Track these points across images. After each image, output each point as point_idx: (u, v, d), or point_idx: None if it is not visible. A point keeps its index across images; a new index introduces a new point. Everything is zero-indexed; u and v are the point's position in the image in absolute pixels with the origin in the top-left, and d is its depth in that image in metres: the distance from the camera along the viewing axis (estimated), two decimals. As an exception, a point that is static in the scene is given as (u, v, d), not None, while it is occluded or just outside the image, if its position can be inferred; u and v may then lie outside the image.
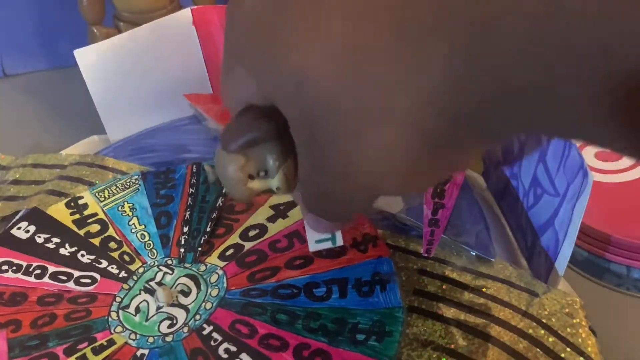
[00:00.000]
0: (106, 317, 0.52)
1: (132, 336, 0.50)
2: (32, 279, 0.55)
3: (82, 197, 0.61)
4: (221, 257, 0.55)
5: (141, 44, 0.66)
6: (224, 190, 0.59)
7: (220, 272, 0.54)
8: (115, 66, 0.65)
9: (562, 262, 0.49)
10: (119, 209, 0.59)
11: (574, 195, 0.48)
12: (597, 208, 0.59)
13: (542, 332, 0.47)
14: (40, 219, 0.59)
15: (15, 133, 0.74)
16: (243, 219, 0.58)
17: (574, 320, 0.48)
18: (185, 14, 0.66)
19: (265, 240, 0.56)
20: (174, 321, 0.51)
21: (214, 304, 0.51)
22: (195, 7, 0.67)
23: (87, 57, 0.64)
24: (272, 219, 0.57)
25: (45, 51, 0.84)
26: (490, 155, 0.60)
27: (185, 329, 0.50)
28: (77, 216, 0.59)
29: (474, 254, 0.52)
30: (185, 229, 0.57)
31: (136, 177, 0.62)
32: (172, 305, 0.52)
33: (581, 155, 0.48)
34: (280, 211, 0.58)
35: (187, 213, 0.58)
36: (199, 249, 0.55)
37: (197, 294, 0.52)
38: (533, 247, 0.53)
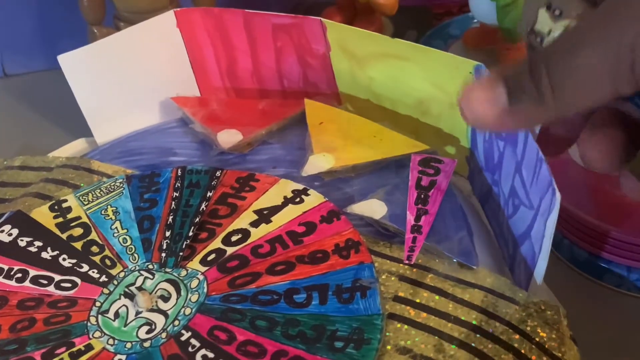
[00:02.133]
0: (85, 322, 0.51)
1: (110, 341, 0.50)
2: (13, 283, 0.54)
3: (66, 201, 0.60)
4: (203, 262, 0.55)
5: (126, 47, 0.65)
6: (208, 194, 0.59)
7: (201, 277, 0.53)
8: (101, 70, 0.65)
9: (539, 273, 0.49)
10: (102, 212, 0.59)
11: (545, 210, 0.48)
12: (595, 203, 0.59)
13: (525, 342, 0.47)
14: (23, 222, 0.59)
15: (10, 134, 0.74)
16: (226, 223, 0.57)
17: (555, 330, 0.47)
18: (169, 16, 0.66)
19: (247, 246, 0.55)
20: (153, 327, 0.50)
21: (194, 310, 0.51)
22: (179, 9, 0.67)
23: (71, 61, 0.64)
24: (255, 224, 0.57)
25: (45, 51, 0.84)
26: (473, 160, 0.60)
27: (164, 335, 0.50)
28: (60, 219, 0.59)
29: (456, 261, 0.52)
30: (168, 234, 0.57)
31: (120, 180, 0.62)
32: (152, 310, 0.51)
33: (550, 173, 0.47)
34: (263, 216, 0.57)
35: (170, 217, 0.58)
36: (181, 253, 0.55)
37: (177, 299, 0.52)
38: (514, 256, 0.53)
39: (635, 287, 0.56)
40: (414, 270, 0.52)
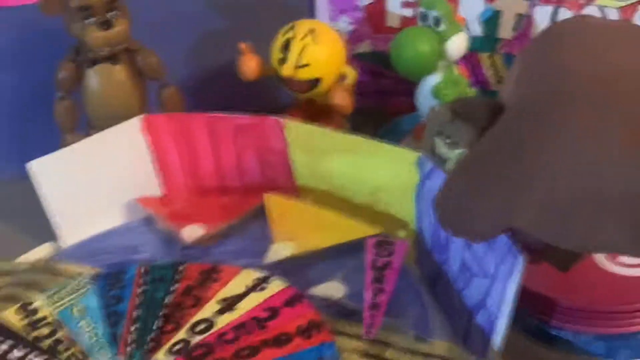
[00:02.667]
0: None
1: None
2: (-18, 383, 0.55)
3: (32, 302, 0.62)
4: (169, 352, 0.56)
5: (93, 152, 0.68)
6: (172, 288, 0.60)
7: (168, 367, 0.54)
8: (69, 175, 0.68)
9: (498, 339, 0.51)
10: (69, 311, 0.60)
11: (505, 275, 0.50)
12: (540, 274, 0.61)
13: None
14: (-9, 325, 0.60)
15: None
16: (192, 313, 0.59)
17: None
18: (135, 122, 0.69)
19: (212, 334, 0.57)
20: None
21: (161, 399, 0.52)
22: (144, 115, 0.70)
23: (41, 167, 0.66)
24: (219, 313, 0.58)
25: (16, 160, 0.84)
26: (421, 243, 0.63)
27: None
28: (27, 321, 0.60)
29: (413, 334, 0.54)
30: (134, 328, 0.58)
31: (87, 279, 0.63)
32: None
33: (508, 239, 0.50)
34: (227, 305, 0.59)
35: (136, 312, 0.59)
36: (147, 346, 0.56)
37: (145, 390, 0.53)
38: (468, 327, 0.55)
39: (584, 351, 0.58)
40: (374, 346, 0.53)
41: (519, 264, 0.49)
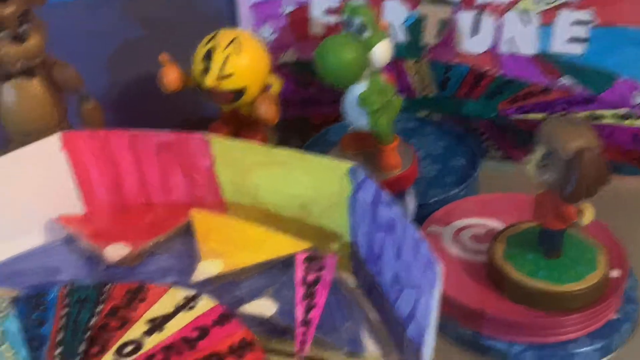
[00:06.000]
0: None
1: None
2: None
3: (-51, 329, 0.59)
4: (95, 377, 0.54)
5: (9, 171, 0.66)
6: (97, 309, 0.59)
7: (95, 391, 0.53)
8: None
9: (427, 351, 0.50)
10: (-11, 337, 0.58)
11: (429, 286, 0.50)
12: (471, 286, 0.62)
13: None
14: None
15: None
16: (118, 335, 0.57)
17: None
18: (54, 139, 0.67)
19: (141, 356, 0.55)
20: None
21: None
22: (65, 132, 0.68)
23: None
24: (147, 333, 0.57)
25: None
26: (356, 254, 0.62)
27: None
28: (-56, 349, 0.57)
29: (345, 350, 0.53)
30: (58, 351, 0.56)
31: (6, 303, 0.61)
32: None
33: (430, 249, 0.50)
34: (156, 325, 0.58)
35: (60, 334, 0.57)
36: (72, 370, 0.54)
37: (69, 416, 0.51)
38: (402, 339, 0.55)
39: (518, 360, 0.60)
40: (307, 362, 0.53)
41: (439, 274, 0.49)
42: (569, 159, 0.56)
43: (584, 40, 0.76)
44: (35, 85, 0.72)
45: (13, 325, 0.59)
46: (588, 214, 0.60)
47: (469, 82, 0.81)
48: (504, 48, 0.79)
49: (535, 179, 0.59)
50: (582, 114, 0.78)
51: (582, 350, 0.60)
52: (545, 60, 0.78)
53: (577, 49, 0.76)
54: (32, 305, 0.60)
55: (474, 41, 0.80)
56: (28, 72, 0.71)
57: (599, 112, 0.78)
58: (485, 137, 0.84)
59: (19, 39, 0.68)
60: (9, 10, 0.68)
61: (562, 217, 0.59)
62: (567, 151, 0.56)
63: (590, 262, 0.62)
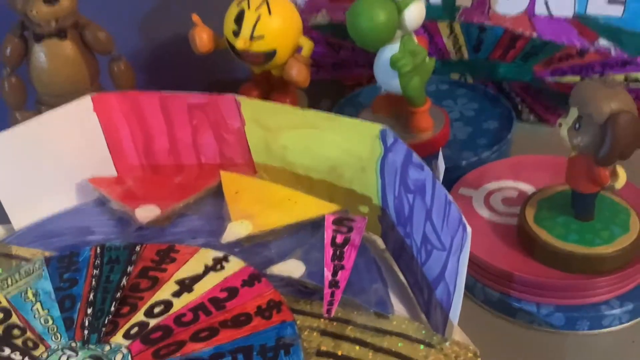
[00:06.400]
0: (7, 405, 0.51)
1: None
2: None
3: (-16, 287, 0.60)
4: (126, 335, 0.55)
5: (42, 132, 0.66)
6: (128, 270, 0.59)
7: (125, 350, 0.53)
8: (18, 155, 0.66)
9: (455, 313, 0.51)
10: (22, 295, 0.59)
11: (458, 248, 0.50)
12: (501, 249, 0.62)
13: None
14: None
15: None
16: (148, 296, 0.58)
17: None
18: (85, 101, 0.68)
19: (170, 316, 0.56)
20: (78, 403, 0.50)
21: (119, 383, 0.51)
22: (95, 94, 0.68)
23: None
24: (177, 294, 0.57)
25: None
26: (385, 217, 0.62)
27: (89, 410, 0.49)
28: (-21, 306, 0.59)
29: (373, 311, 0.53)
30: (89, 311, 0.57)
31: (39, 262, 0.62)
32: (77, 387, 0.51)
33: (459, 211, 0.50)
34: (185, 286, 0.58)
35: (91, 294, 0.58)
36: (103, 329, 0.55)
37: (102, 374, 0.52)
38: (429, 301, 0.55)
39: (546, 322, 0.59)
40: (334, 323, 0.53)
41: (467, 237, 0.49)
42: (603, 122, 0.55)
43: (622, 2, 0.74)
44: (67, 47, 0.72)
45: (46, 284, 0.60)
46: (621, 177, 0.59)
47: (503, 44, 0.80)
48: (539, 10, 0.77)
49: (568, 141, 0.58)
50: (618, 76, 0.76)
51: (611, 312, 0.59)
52: (582, 23, 0.76)
53: (615, 11, 0.75)
54: (64, 266, 0.61)
55: (508, 3, 0.78)
56: (60, 33, 0.71)
57: (634, 74, 0.76)
58: (518, 99, 0.83)
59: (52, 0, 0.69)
60: (41, -29, 0.69)
61: (595, 180, 0.59)
62: (601, 114, 0.55)
63: (623, 225, 0.61)
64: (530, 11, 0.77)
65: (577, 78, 0.78)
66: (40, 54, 0.72)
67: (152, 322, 0.55)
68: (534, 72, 0.80)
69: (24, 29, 0.72)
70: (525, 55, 0.80)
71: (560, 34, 0.77)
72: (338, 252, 0.58)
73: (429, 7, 0.76)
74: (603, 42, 0.76)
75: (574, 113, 0.58)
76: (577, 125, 0.57)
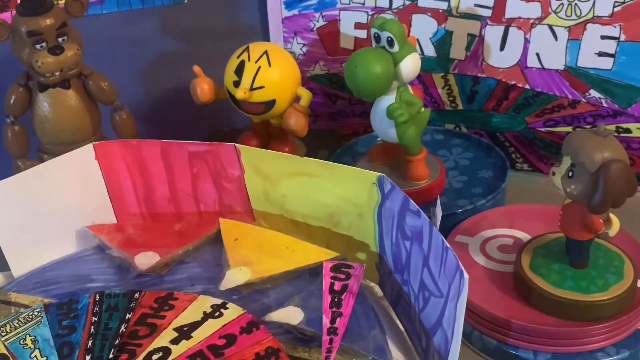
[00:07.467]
0: None
1: None
2: None
3: (-17, 334, 0.60)
4: (125, 382, 0.55)
5: (44, 179, 0.67)
6: (127, 317, 0.59)
7: (123, 397, 0.53)
8: (19, 202, 0.66)
9: (453, 357, 0.51)
10: (21, 342, 0.59)
11: (455, 294, 0.50)
12: (497, 296, 0.62)
13: None
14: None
15: None
16: (146, 343, 0.58)
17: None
18: (88, 149, 0.69)
19: (168, 363, 0.56)
20: None
21: None
22: (97, 142, 0.69)
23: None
24: (175, 341, 0.58)
25: None
26: (383, 264, 0.63)
27: None
28: (-23, 353, 0.59)
29: (371, 358, 0.53)
30: (88, 358, 0.57)
31: (38, 309, 0.62)
32: None
33: (456, 257, 0.51)
34: (183, 333, 0.58)
35: (90, 342, 0.58)
36: (102, 376, 0.55)
37: (100, 420, 0.52)
38: (428, 349, 0.55)
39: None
40: (333, 370, 0.53)
41: (465, 283, 0.49)
42: (595, 171, 0.56)
43: (612, 55, 0.76)
44: (70, 96, 0.73)
45: (45, 331, 0.60)
46: (615, 225, 0.60)
47: (497, 95, 0.82)
48: (531, 62, 0.79)
49: (562, 190, 0.59)
50: (609, 127, 0.78)
51: (608, 359, 0.60)
52: (573, 75, 0.78)
53: (604, 64, 0.76)
54: (63, 312, 0.61)
55: (501, 55, 0.80)
56: (64, 83, 0.73)
57: (625, 125, 0.78)
58: (512, 149, 0.84)
59: (57, 50, 0.70)
60: (48, 22, 0.71)
61: (589, 227, 0.60)
62: (593, 162, 0.56)
63: (617, 272, 0.62)
64: (522, 63, 0.79)
65: (569, 128, 0.80)
66: (44, 103, 0.73)
67: (151, 369, 0.56)
68: (527, 122, 0.82)
69: (29, 79, 0.74)
70: (518, 107, 0.81)
71: (552, 85, 0.79)
72: (336, 299, 0.58)
73: (424, 59, 0.78)
74: (594, 94, 0.77)
75: (566, 162, 0.59)
76: (570, 174, 0.58)
